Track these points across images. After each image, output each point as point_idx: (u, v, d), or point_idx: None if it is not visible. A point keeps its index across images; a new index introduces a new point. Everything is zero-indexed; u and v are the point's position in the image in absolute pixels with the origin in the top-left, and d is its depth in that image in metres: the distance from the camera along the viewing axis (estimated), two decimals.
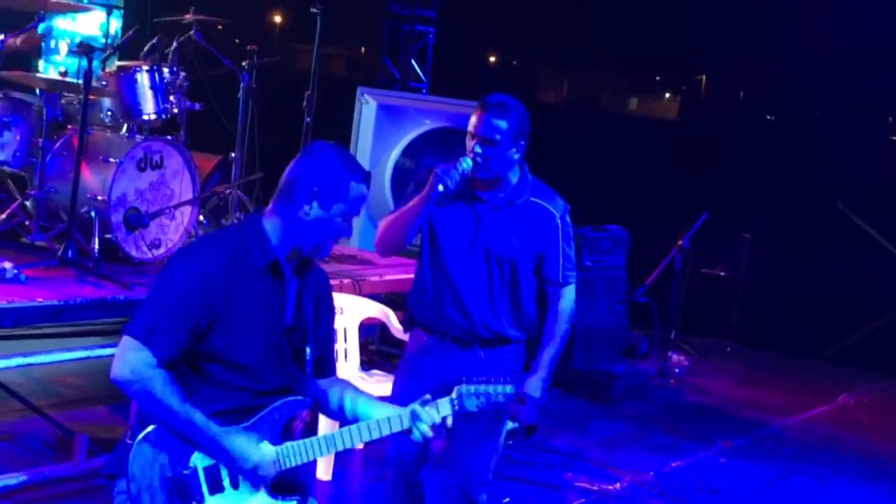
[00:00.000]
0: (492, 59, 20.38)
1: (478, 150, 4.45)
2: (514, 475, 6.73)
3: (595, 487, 6.71)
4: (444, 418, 3.47)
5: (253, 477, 3.28)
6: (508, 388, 3.52)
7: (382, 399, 3.74)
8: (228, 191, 7.50)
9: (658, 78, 22.39)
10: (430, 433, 3.44)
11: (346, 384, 3.65)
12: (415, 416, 3.43)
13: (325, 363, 3.60)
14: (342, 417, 3.56)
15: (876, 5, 13.21)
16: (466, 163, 4.42)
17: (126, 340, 3.23)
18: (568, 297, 4.71)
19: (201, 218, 7.04)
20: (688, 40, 17.58)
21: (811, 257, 11.44)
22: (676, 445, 7.73)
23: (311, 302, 3.49)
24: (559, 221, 4.64)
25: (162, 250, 6.77)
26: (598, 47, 18.63)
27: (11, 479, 5.41)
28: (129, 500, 3.25)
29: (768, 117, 18.34)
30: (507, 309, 4.62)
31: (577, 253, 8.93)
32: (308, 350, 3.46)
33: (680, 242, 9.29)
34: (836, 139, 13.53)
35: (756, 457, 7.71)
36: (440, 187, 4.35)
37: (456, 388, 3.49)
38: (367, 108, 9.84)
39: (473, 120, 4.52)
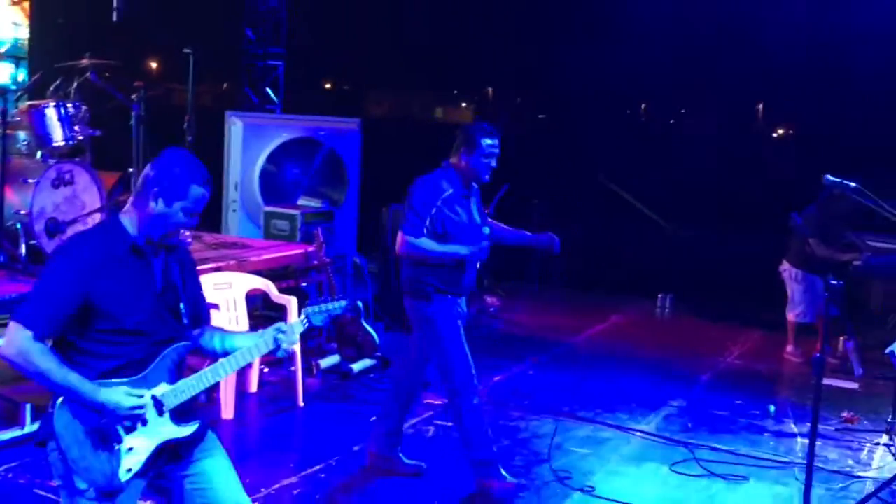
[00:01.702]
0: (327, 85, 20.22)
1: (496, 162, 4.97)
2: (376, 399, 6.68)
3: (439, 402, 6.70)
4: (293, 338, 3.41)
5: (129, 421, 3.14)
6: (343, 303, 3.49)
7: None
8: (129, 199, 7.19)
9: (456, 91, 22.62)
10: (292, 348, 3.41)
11: (218, 328, 3.55)
12: (276, 340, 3.34)
13: (199, 316, 3.47)
14: (217, 355, 3.44)
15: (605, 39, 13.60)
16: (486, 230, 5.12)
17: (12, 325, 3.09)
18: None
19: None
20: (476, 62, 17.78)
21: (583, 215, 11.71)
22: (497, 364, 7.80)
23: (176, 269, 3.34)
24: None
25: None
26: (410, 72, 18.70)
27: None
28: (60, 454, 3.11)
29: (540, 116, 18.76)
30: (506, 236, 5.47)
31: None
32: (182, 306, 3.32)
33: (487, 211, 9.32)
34: (594, 128, 13.90)
35: (557, 367, 7.86)
36: (479, 264, 5.06)
37: (303, 311, 3.43)
38: (235, 127, 9.76)
39: (492, 142, 4.93)
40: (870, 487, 5.45)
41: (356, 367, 7.22)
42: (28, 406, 5.46)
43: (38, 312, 3.08)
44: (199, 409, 3.37)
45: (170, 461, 3.27)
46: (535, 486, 5.29)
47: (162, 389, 3.21)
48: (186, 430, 3.25)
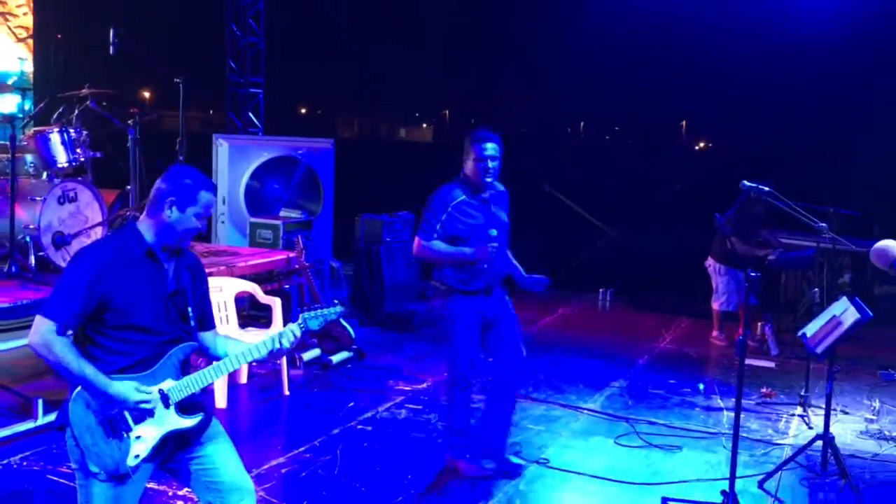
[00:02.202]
0: (302, 110, 20.11)
1: (493, 165, 4.74)
2: (353, 387, 6.69)
3: (409, 388, 6.70)
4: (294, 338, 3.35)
5: (137, 412, 3.10)
6: (338, 308, 3.42)
7: None
8: (128, 213, 7.10)
9: (417, 114, 22.61)
10: (289, 344, 3.33)
11: (221, 335, 3.49)
12: (273, 341, 3.30)
13: (206, 319, 3.42)
14: (218, 358, 3.39)
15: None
16: (493, 232, 4.76)
17: (37, 318, 3.05)
18: None
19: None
20: (435, 88, 17.81)
21: (531, 221, 11.69)
22: None
23: (187, 275, 3.30)
24: (508, 196, 5.02)
25: None
26: (376, 97, 18.67)
27: None
28: (74, 440, 3.08)
29: None
30: (506, 261, 5.00)
31: (379, 234, 8.93)
32: (190, 309, 3.28)
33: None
34: (539, 144, 13.93)
35: None
36: (485, 266, 4.74)
37: (301, 316, 3.37)
38: (221, 148, 9.67)
39: (486, 146, 4.73)
40: (788, 453, 5.53)
41: (335, 358, 7.19)
42: (40, 401, 5.38)
43: (60, 306, 3.04)
44: (203, 402, 3.30)
45: (176, 448, 3.23)
46: (496, 460, 5.28)
47: (168, 384, 3.17)
48: (191, 422, 3.21)
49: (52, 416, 5.12)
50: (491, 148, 4.75)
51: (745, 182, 5.42)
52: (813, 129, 12.19)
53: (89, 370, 3.03)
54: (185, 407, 3.20)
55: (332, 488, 4.82)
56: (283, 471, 5.02)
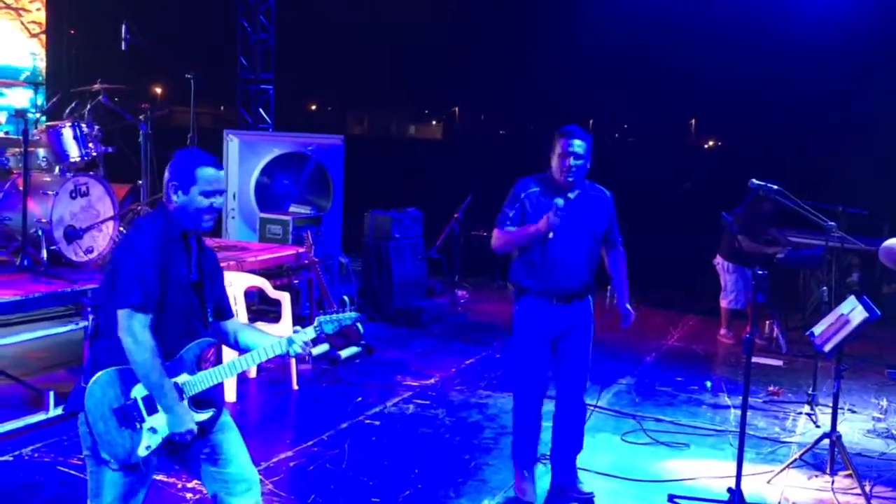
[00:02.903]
0: (312, 106, 20.13)
1: (575, 162, 4.37)
2: (361, 382, 6.69)
3: (417, 383, 6.70)
4: (306, 346, 3.33)
5: (179, 437, 3.11)
6: (354, 314, 3.40)
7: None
8: (139, 208, 7.13)
9: (427, 111, 22.61)
10: (302, 351, 3.31)
11: (240, 324, 3.49)
12: (290, 342, 3.30)
13: (223, 310, 3.41)
14: (237, 348, 3.40)
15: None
16: (560, 202, 4.31)
17: (122, 314, 2.99)
18: (623, 252, 4.74)
19: (121, 228, 6.68)
20: (444, 85, 17.81)
21: None
22: (467, 350, 7.80)
23: (206, 267, 3.29)
24: (612, 202, 4.62)
25: (94, 254, 6.42)
26: (385, 94, 18.68)
27: (5, 427, 5.17)
28: (88, 427, 3.07)
29: (501, 132, 18.79)
30: (592, 269, 4.58)
31: (388, 230, 8.94)
32: (207, 301, 3.27)
33: (456, 216, 9.33)
34: (548, 141, 13.95)
35: None
36: (550, 234, 4.33)
37: (317, 319, 3.36)
38: (232, 144, 9.67)
39: (568, 141, 4.39)
40: (794, 451, 5.51)
41: (343, 353, 7.20)
42: (51, 393, 5.40)
43: (140, 292, 2.99)
44: (214, 396, 3.28)
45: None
46: (503, 455, 5.28)
47: (183, 378, 3.16)
48: (202, 416, 3.20)
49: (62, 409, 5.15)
50: (577, 145, 4.38)
51: (754, 180, 5.40)
52: (822, 128, 12.14)
53: (167, 383, 3.06)
54: (198, 401, 3.19)
55: (340, 482, 4.82)
56: (292, 464, 5.02)
